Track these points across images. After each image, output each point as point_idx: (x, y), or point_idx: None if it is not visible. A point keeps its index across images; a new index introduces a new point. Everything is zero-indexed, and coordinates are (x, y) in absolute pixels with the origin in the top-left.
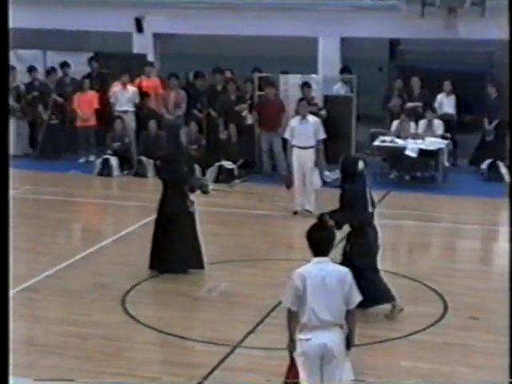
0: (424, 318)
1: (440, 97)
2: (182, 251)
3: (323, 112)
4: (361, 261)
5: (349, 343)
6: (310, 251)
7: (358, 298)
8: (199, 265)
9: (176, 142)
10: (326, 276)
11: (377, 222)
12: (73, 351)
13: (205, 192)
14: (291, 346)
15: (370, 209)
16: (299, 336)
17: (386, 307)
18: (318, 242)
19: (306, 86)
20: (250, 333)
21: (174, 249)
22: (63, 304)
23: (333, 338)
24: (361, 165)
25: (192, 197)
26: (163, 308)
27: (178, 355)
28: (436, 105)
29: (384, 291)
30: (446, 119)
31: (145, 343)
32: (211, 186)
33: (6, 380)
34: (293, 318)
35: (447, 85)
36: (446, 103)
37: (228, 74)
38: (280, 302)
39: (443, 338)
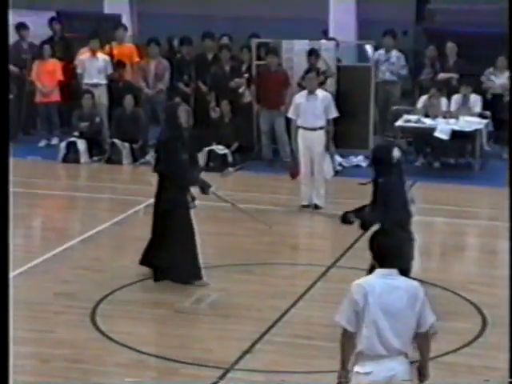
0: (458, 335)
1: (488, 72)
2: (181, 258)
3: (329, 80)
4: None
5: (421, 375)
6: (321, 255)
7: (431, 318)
8: (196, 275)
9: (173, 125)
10: (394, 291)
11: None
12: (30, 376)
13: (204, 193)
14: (343, 376)
15: (410, 208)
16: (355, 367)
17: None
18: (384, 251)
19: (313, 54)
20: (246, 352)
21: (171, 254)
22: (19, 319)
23: (399, 370)
24: (396, 153)
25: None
26: (140, 322)
27: (158, 379)
28: (483, 79)
29: None
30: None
31: (118, 365)
32: (213, 188)
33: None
34: (348, 340)
35: (501, 60)
36: (496, 80)
37: (225, 41)
38: (284, 315)
39: (481, 361)
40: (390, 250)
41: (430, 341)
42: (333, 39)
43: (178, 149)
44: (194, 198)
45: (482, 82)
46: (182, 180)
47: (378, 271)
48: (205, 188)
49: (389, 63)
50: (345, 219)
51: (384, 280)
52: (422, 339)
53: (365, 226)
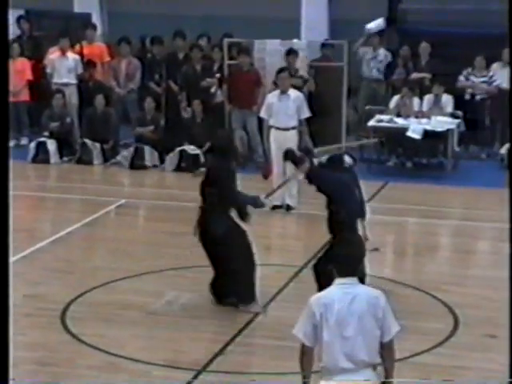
0: (430, 335)
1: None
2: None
3: (310, 85)
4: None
5: None
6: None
7: (395, 327)
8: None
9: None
10: (354, 300)
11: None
12: None
13: (257, 207)
14: None
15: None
16: (321, 383)
17: None
18: (343, 260)
19: (292, 53)
20: (217, 354)
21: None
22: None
23: None
24: (347, 159)
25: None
26: (112, 325)
27: (130, 382)
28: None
29: None
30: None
31: (89, 368)
32: (263, 197)
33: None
34: (307, 356)
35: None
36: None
37: (203, 42)
38: (256, 316)
39: (453, 361)
40: (349, 259)
41: (395, 352)
42: None
43: (229, 168)
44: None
45: (456, 82)
46: (232, 205)
47: (337, 281)
48: (259, 203)
49: (376, 61)
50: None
51: (343, 290)
52: (385, 350)
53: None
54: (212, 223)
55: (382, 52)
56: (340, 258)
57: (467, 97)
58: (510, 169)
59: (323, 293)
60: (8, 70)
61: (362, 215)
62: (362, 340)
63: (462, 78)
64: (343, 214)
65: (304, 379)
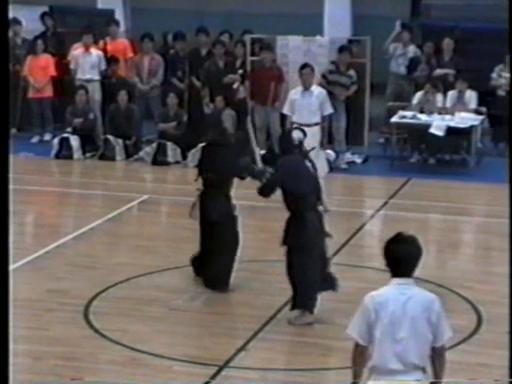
0: (453, 332)
1: (499, 69)
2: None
3: (354, 87)
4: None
5: None
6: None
7: (447, 332)
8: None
9: (220, 129)
10: (408, 302)
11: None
12: (22, 374)
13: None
14: None
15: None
16: (369, 383)
17: None
18: (399, 259)
19: (346, 50)
20: (240, 350)
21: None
22: (11, 316)
23: None
24: (297, 135)
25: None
26: (134, 320)
27: (152, 377)
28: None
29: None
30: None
31: (111, 363)
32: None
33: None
34: (361, 355)
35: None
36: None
37: (225, 38)
38: (277, 312)
39: (476, 358)
40: (405, 258)
41: (445, 357)
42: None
43: (227, 152)
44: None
45: (490, 79)
46: (229, 186)
47: (393, 281)
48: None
49: (405, 58)
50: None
51: (399, 291)
52: (436, 355)
53: (262, 191)
54: (210, 207)
55: (411, 48)
56: (398, 256)
57: (501, 94)
58: (510, 168)
59: (378, 291)
60: (8, 68)
61: (316, 192)
62: (413, 343)
63: (494, 75)
64: (299, 202)
65: (355, 379)
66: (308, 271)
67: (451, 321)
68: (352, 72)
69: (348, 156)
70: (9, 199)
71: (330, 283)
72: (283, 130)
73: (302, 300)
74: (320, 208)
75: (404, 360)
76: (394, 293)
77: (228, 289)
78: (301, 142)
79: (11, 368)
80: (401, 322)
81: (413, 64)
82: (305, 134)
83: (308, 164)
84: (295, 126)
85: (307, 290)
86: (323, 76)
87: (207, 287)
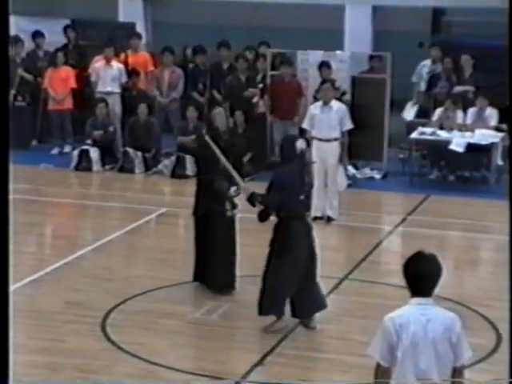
0: (472, 351)
1: None
2: (216, 264)
3: (346, 97)
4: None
5: None
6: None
7: (467, 352)
8: (229, 283)
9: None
10: (429, 323)
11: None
12: None
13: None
14: None
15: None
16: None
17: None
18: (419, 278)
19: (324, 66)
20: (256, 365)
21: (207, 261)
22: (29, 327)
23: None
24: (300, 144)
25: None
26: (151, 333)
27: None
28: None
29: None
30: None
31: (128, 375)
32: (231, 192)
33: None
34: (383, 376)
35: None
36: None
37: (250, 55)
38: (295, 327)
39: (496, 376)
40: (425, 277)
41: (464, 376)
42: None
43: (215, 155)
44: (234, 206)
45: (500, 95)
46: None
47: (413, 301)
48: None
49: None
50: (251, 199)
51: (419, 311)
52: (456, 374)
53: (261, 217)
54: (197, 203)
55: (439, 66)
56: (419, 274)
57: None
58: (510, 179)
59: (398, 312)
60: (8, 74)
61: (306, 204)
62: (435, 363)
63: None
64: (287, 211)
65: None
66: (280, 277)
67: (470, 339)
68: (340, 84)
69: (367, 172)
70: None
71: (320, 304)
72: (286, 137)
73: (266, 304)
74: (309, 219)
75: (426, 381)
76: (414, 313)
77: (233, 291)
78: (302, 152)
79: (27, 379)
80: (422, 343)
81: (433, 80)
82: (308, 144)
83: (304, 175)
84: (299, 135)
85: (273, 295)
86: (314, 97)
87: (213, 293)
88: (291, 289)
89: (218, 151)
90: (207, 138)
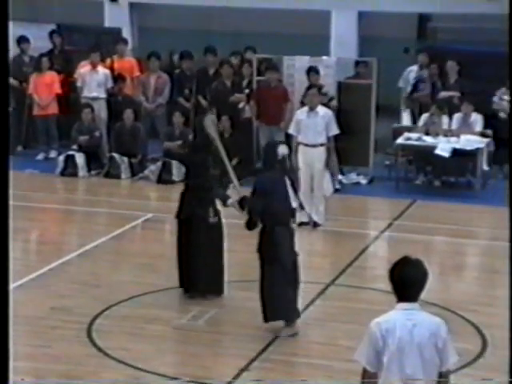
0: (458, 356)
1: (501, 92)
2: (199, 269)
3: (333, 103)
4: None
5: None
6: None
7: (453, 357)
8: (215, 289)
9: (202, 136)
10: (415, 328)
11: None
12: None
13: (224, 205)
14: None
15: (291, 204)
16: None
17: None
18: (405, 283)
19: (313, 71)
20: (243, 370)
21: (190, 265)
22: (15, 333)
23: None
24: (282, 150)
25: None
26: (137, 339)
27: None
28: (496, 99)
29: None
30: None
31: (114, 382)
32: (230, 200)
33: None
34: (370, 382)
35: None
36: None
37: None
38: (282, 333)
39: (481, 382)
40: (414, 283)
41: (450, 381)
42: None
43: (207, 161)
44: (216, 213)
45: (490, 102)
46: (207, 192)
47: (399, 306)
48: (226, 199)
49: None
50: (241, 203)
51: (405, 316)
52: (441, 379)
53: (249, 226)
54: (181, 206)
55: (425, 72)
56: (405, 279)
57: (503, 116)
58: (510, 184)
59: (384, 317)
60: (8, 80)
61: (290, 209)
62: (421, 368)
63: (495, 98)
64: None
65: None
66: (276, 284)
67: (456, 344)
68: (327, 89)
69: (353, 177)
70: (9, 216)
71: (293, 313)
72: (268, 143)
73: (269, 311)
74: (293, 225)
75: None
76: (400, 319)
77: (221, 296)
78: (284, 158)
79: None
80: (408, 348)
81: (418, 85)
82: (290, 150)
83: (286, 181)
84: (281, 141)
85: (274, 303)
86: (301, 102)
87: (197, 298)
88: (289, 291)
89: (222, 150)
90: (211, 137)
